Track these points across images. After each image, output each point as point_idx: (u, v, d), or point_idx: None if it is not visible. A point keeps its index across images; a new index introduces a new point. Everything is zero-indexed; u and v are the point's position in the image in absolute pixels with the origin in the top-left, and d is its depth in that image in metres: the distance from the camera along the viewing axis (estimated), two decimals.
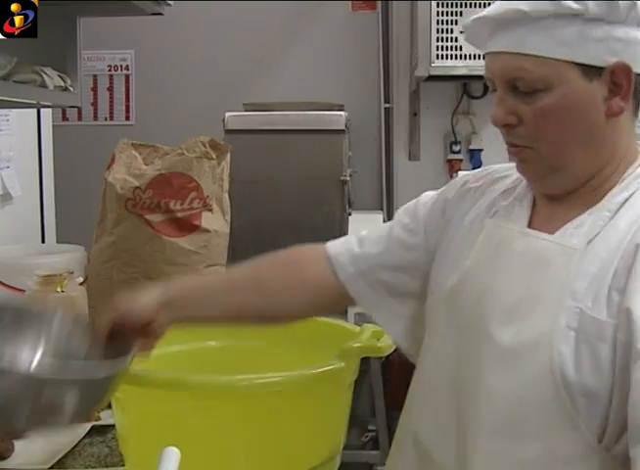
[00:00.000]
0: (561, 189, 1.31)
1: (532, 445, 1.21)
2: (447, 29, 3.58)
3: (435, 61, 3.60)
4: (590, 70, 1.23)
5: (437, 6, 3.58)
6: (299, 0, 4.13)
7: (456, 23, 3.58)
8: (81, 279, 2.47)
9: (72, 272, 2.31)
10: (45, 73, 2.01)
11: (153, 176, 2.43)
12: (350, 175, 3.59)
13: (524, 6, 1.22)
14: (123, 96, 4.28)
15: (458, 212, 1.46)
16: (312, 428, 1.48)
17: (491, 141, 3.99)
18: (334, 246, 1.56)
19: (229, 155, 2.55)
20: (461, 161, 4.07)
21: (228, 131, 3.48)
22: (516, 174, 1.40)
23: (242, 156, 2.98)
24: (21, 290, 2.31)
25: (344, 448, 1.62)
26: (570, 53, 1.22)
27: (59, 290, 2.21)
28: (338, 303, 1.60)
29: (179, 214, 2.41)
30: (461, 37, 3.57)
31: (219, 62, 4.16)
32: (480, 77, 3.69)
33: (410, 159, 4.13)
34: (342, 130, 3.54)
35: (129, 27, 3.94)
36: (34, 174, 3.11)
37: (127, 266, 2.40)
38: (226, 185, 2.55)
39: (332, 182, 3.51)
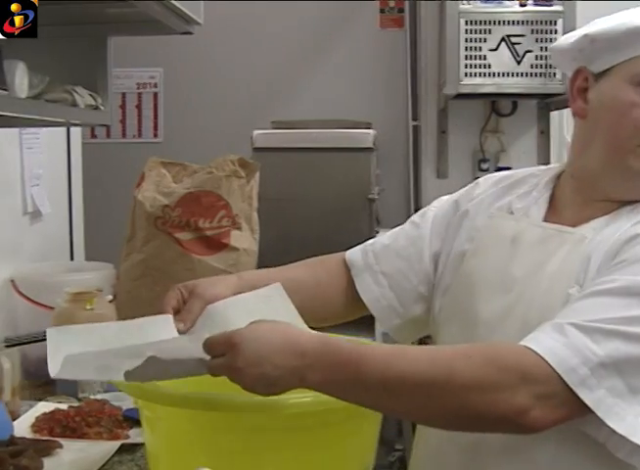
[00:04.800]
0: None
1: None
2: (476, 47, 3.57)
3: (464, 78, 3.59)
4: None
5: (466, 24, 3.57)
6: (327, 18, 4.14)
7: (485, 41, 3.57)
8: (110, 297, 2.47)
9: (102, 290, 2.31)
10: (76, 92, 2.03)
11: (182, 194, 2.44)
12: (378, 193, 3.58)
13: None
14: (152, 113, 4.30)
15: (473, 209, 1.52)
16: (348, 451, 1.46)
17: (520, 159, 3.98)
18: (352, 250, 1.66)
19: (258, 173, 2.55)
20: None
21: (256, 149, 3.47)
22: (533, 180, 1.48)
23: (269, 174, 2.97)
24: (50, 307, 2.31)
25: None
26: None
27: (88, 307, 2.22)
28: (353, 305, 1.62)
29: (208, 233, 2.42)
30: (490, 55, 3.57)
31: (247, 80, 4.18)
32: (508, 95, 3.75)
33: (438, 176, 4.11)
34: (371, 148, 3.53)
35: (158, 45, 3.95)
36: (63, 192, 3.12)
37: (156, 284, 2.40)
38: (255, 203, 2.56)
39: (359, 200, 3.50)
